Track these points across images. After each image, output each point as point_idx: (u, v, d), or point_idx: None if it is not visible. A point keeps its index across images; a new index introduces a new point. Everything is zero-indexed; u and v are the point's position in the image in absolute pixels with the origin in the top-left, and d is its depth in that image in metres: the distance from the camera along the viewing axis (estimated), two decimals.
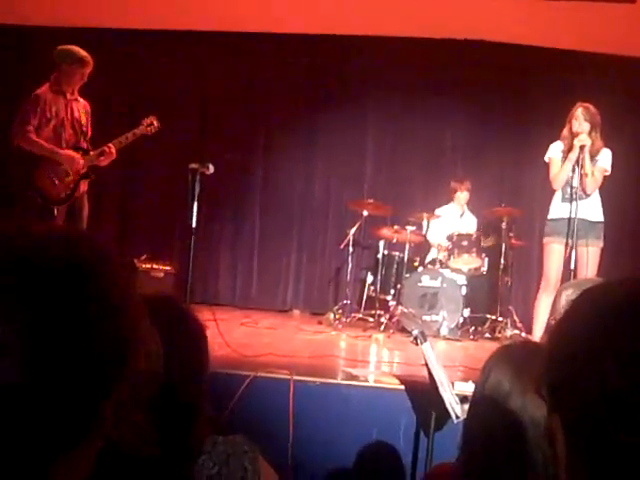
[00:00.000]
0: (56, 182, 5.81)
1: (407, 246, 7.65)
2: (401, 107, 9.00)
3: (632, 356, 0.75)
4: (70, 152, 5.87)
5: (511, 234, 7.75)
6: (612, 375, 0.75)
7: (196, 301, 6.62)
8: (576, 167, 5.63)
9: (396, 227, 7.77)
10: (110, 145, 5.95)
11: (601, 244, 5.82)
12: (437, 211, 8.07)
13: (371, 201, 7.81)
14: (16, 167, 6.21)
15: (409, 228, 7.65)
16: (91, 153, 5.98)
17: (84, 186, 6.01)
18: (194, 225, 5.37)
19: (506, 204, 7.92)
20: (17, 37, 8.66)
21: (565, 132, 5.87)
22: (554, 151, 5.93)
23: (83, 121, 6.02)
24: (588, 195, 5.75)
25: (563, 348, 0.83)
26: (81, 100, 6.07)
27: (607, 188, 6.04)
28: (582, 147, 5.60)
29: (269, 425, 3.59)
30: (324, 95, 9.16)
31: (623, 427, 0.74)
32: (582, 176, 5.64)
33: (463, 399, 3.19)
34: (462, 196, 8.24)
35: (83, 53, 5.87)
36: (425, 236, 7.92)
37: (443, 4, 7.88)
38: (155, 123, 6.12)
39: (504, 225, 7.64)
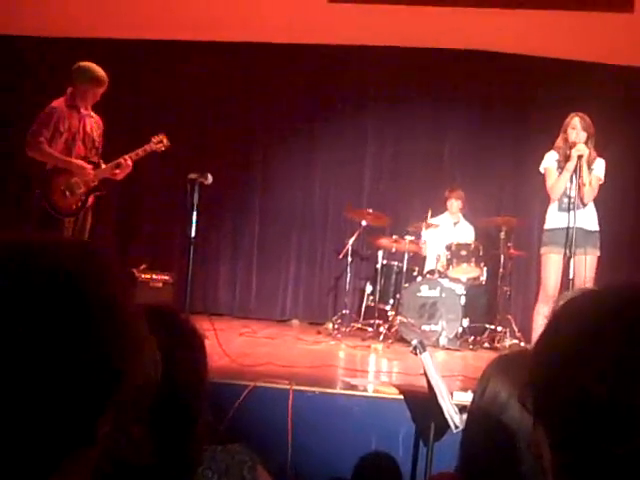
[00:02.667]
0: (67, 194, 5.89)
1: (406, 256, 7.65)
2: (400, 117, 9.02)
3: (613, 364, 0.75)
4: (81, 162, 5.95)
5: (509, 244, 7.75)
6: (594, 387, 0.75)
7: (195, 311, 6.62)
8: (574, 177, 5.65)
9: (395, 237, 7.77)
10: (126, 157, 6.01)
11: (598, 253, 5.83)
12: (430, 220, 8.05)
13: (370, 211, 7.81)
14: (30, 179, 6.26)
15: (408, 238, 7.65)
16: (103, 166, 6.04)
17: (91, 199, 6.06)
18: (193, 235, 5.38)
19: (505, 214, 7.92)
20: (19, 48, 8.69)
21: (559, 142, 5.88)
22: (549, 161, 5.94)
23: (95, 136, 6.12)
24: (585, 204, 5.77)
25: (546, 357, 0.83)
26: (94, 116, 6.16)
27: (604, 197, 6.05)
28: (580, 157, 5.62)
29: (268, 434, 3.59)
30: (323, 105, 9.18)
31: (606, 439, 0.74)
32: (580, 186, 5.65)
33: (462, 409, 3.18)
34: (453, 204, 8.23)
35: (99, 73, 5.94)
36: (423, 246, 7.94)
37: (441, 14, 7.90)
38: (164, 141, 6.19)
39: (503, 235, 7.65)
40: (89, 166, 5.98)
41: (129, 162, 6.03)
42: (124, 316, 0.77)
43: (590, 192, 5.75)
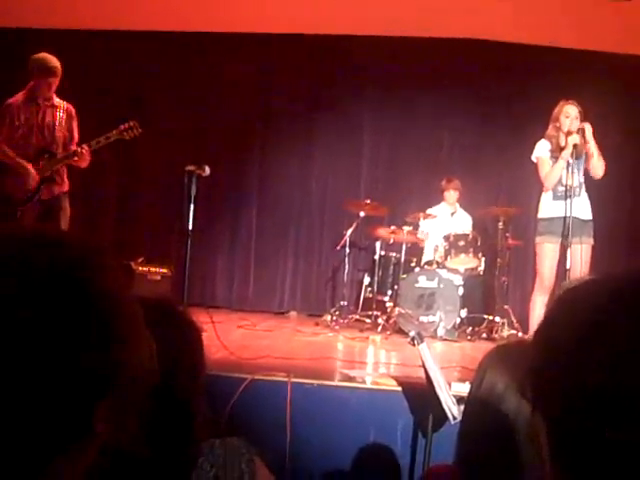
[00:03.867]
0: (18, 185, 5.87)
1: (404, 247, 7.66)
2: (398, 107, 9.01)
3: (613, 354, 0.75)
4: (28, 169, 5.90)
5: (507, 234, 7.76)
6: (593, 374, 0.75)
7: (193, 303, 6.61)
8: (569, 165, 5.65)
9: (393, 228, 7.77)
10: (83, 146, 5.98)
11: (592, 242, 5.84)
12: (428, 211, 8.05)
13: (368, 202, 7.81)
14: None
15: (406, 229, 7.65)
16: (58, 156, 6.02)
17: (60, 188, 6.05)
18: (190, 227, 5.37)
19: (502, 204, 7.92)
20: (11, 39, 8.65)
21: (551, 131, 5.88)
22: (541, 150, 5.94)
23: (57, 126, 6.07)
24: (599, 176, 5.75)
25: (545, 347, 0.84)
26: (61, 104, 6.12)
27: (599, 187, 6.05)
28: (575, 145, 5.63)
29: (267, 427, 3.59)
30: (320, 96, 9.17)
31: (605, 424, 0.75)
32: (589, 157, 5.66)
33: (460, 400, 3.19)
34: (450, 195, 8.24)
35: (50, 63, 5.92)
36: (420, 236, 7.94)
37: (440, 3, 7.88)
38: (135, 128, 6.03)
39: (501, 225, 7.65)
40: (33, 173, 5.90)
41: (84, 151, 5.95)
42: (121, 309, 0.77)
43: (599, 162, 5.75)
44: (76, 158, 6.01)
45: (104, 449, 0.77)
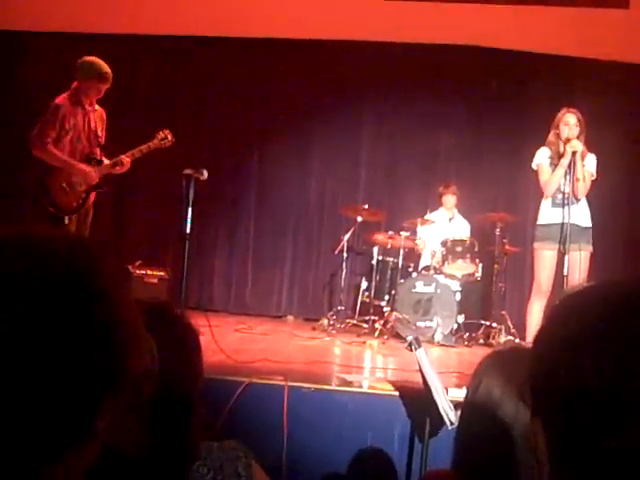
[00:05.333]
0: (68, 191, 5.82)
1: (401, 252, 7.65)
2: (396, 113, 9.02)
3: (612, 361, 0.76)
4: (85, 167, 5.89)
5: (505, 240, 7.76)
6: (592, 380, 0.76)
7: (190, 307, 6.62)
8: (568, 173, 5.66)
9: (390, 233, 7.78)
10: (123, 157, 5.97)
11: (591, 249, 5.85)
12: (426, 217, 8.05)
13: (365, 207, 7.81)
14: (30, 175, 6.21)
15: (403, 234, 7.65)
16: (105, 163, 6.01)
17: (93, 196, 6.03)
18: (188, 231, 5.38)
19: (500, 210, 7.93)
20: (17, 42, 8.68)
21: (551, 137, 5.89)
22: (541, 157, 5.95)
23: (99, 131, 6.04)
24: (579, 200, 5.78)
25: (545, 353, 0.84)
26: (98, 109, 6.08)
27: (598, 194, 6.07)
28: (574, 152, 5.63)
29: (264, 431, 3.59)
30: (319, 101, 9.17)
31: (602, 432, 0.75)
32: (574, 181, 5.67)
33: (457, 405, 3.19)
34: (448, 200, 8.24)
35: (104, 69, 5.83)
36: (418, 242, 7.94)
37: (439, 9, 7.90)
38: (169, 137, 6.11)
39: (498, 231, 7.66)
40: (92, 170, 5.91)
41: (127, 159, 5.98)
42: (122, 311, 0.77)
43: (584, 187, 5.78)
44: (118, 167, 6.01)
45: (103, 448, 0.78)
